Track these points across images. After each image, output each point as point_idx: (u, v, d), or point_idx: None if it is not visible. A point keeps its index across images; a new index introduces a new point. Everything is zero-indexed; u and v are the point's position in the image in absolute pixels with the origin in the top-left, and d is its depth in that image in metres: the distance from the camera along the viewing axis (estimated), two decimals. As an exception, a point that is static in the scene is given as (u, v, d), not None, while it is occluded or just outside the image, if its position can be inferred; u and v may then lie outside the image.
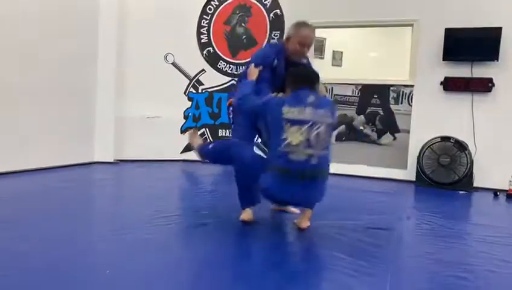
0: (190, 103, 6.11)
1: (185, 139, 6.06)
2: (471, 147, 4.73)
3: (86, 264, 1.93)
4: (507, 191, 4.44)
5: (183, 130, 6.10)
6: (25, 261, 1.90)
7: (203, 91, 6.06)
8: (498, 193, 4.46)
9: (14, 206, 2.96)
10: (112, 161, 5.50)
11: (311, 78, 2.59)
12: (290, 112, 2.40)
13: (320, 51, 6.78)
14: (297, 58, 2.88)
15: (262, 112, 2.56)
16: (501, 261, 2.24)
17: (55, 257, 1.98)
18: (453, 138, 4.73)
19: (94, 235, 2.38)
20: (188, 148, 2.78)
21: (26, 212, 2.82)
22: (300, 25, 2.83)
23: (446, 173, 4.72)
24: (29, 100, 4.48)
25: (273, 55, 2.86)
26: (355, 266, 2.12)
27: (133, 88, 5.73)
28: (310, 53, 5.55)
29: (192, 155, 6.01)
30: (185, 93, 6.11)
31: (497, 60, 4.69)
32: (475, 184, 4.71)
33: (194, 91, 6.09)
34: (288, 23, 5.64)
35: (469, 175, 4.65)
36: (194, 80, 6.08)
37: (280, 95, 2.66)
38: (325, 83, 3.09)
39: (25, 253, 2.01)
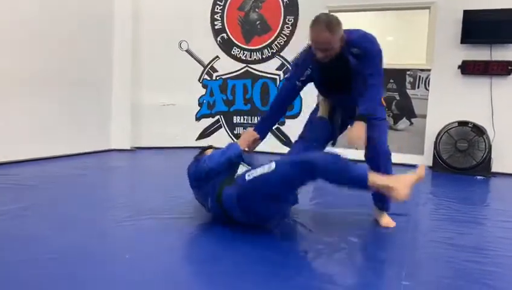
0: (204, 90, 6.12)
1: (200, 126, 6.10)
2: (489, 132, 4.65)
3: (105, 248, 1.97)
4: (526, 176, 4.38)
5: (197, 117, 6.13)
6: (45, 246, 1.95)
7: (217, 78, 6.06)
8: (517, 178, 4.40)
9: (34, 194, 3.03)
10: (128, 148, 5.57)
11: None
12: None
13: (335, 36, 6.69)
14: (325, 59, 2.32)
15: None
16: (520, 246, 2.21)
17: (75, 242, 2.02)
18: (471, 123, 4.65)
19: (112, 220, 2.43)
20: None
21: (45, 199, 2.88)
22: (311, 24, 2.33)
23: (463, 158, 4.66)
24: (46, 90, 4.55)
25: (306, 65, 2.47)
26: (371, 251, 2.13)
27: (148, 76, 5.76)
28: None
29: (207, 142, 6.06)
30: (199, 80, 6.12)
31: (517, 42, 4.58)
32: (493, 169, 4.65)
33: (208, 78, 6.10)
34: (302, 9, 5.59)
35: (487, 160, 4.59)
36: (208, 67, 6.08)
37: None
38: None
39: (45, 238, 2.07)
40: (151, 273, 1.72)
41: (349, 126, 2.59)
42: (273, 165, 2.08)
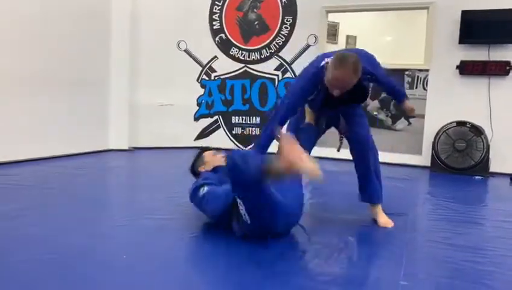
0: (203, 90, 6.12)
1: (198, 126, 6.10)
2: (487, 132, 4.66)
3: (103, 249, 1.97)
4: (524, 176, 4.39)
5: (196, 117, 6.13)
6: (44, 246, 1.95)
7: (216, 78, 6.06)
8: (515, 178, 4.41)
9: (32, 193, 3.03)
10: (126, 148, 5.57)
11: None
12: None
13: (333, 36, 6.70)
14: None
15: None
16: (517, 246, 2.22)
17: (73, 243, 2.02)
18: (469, 123, 4.66)
19: (111, 221, 2.43)
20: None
21: (44, 200, 2.88)
22: (336, 63, 2.22)
23: (462, 158, 4.67)
24: (45, 90, 4.54)
25: (312, 88, 2.41)
26: (369, 251, 2.13)
27: (146, 76, 5.76)
28: (322, 39, 5.53)
29: (206, 142, 6.06)
30: (197, 80, 6.11)
31: (515, 43, 4.60)
32: (491, 169, 4.65)
33: (207, 78, 6.10)
34: (300, 9, 5.59)
35: (485, 160, 4.59)
36: (207, 67, 6.08)
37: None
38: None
39: (44, 238, 2.06)
40: (149, 274, 1.72)
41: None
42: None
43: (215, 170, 2.51)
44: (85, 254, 1.89)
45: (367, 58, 2.49)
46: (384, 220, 2.54)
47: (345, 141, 2.73)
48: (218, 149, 2.69)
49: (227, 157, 1.97)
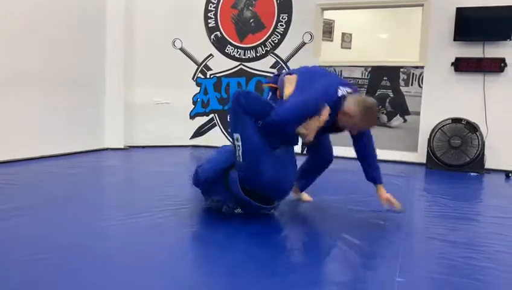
0: (198, 88, 6.11)
1: (194, 124, 6.09)
2: (482, 129, 4.68)
3: (99, 248, 1.97)
4: (519, 172, 4.41)
5: (192, 116, 6.12)
6: (40, 247, 1.94)
7: (211, 76, 6.05)
8: (510, 174, 4.43)
9: (28, 193, 3.01)
10: (122, 147, 5.55)
11: None
12: None
13: (329, 34, 6.71)
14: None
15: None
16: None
17: (69, 242, 2.01)
18: (464, 120, 4.68)
19: (107, 220, 2.42)
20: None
21: (39, 199, 2.86)
22: (365, 113, 2.41)
23: (457, 154, 4.69)
24: (39, 89, 4.51)
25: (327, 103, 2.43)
26: (365, 248, 2.13)
27: (141, 74, 5.74)
28: (318, 36, 5.53)
29: (202, 140, 6.05)
30: (193, 78, 6.10)
31: (510, 39, 4.61)
32: (486, 166, 4.68)
33: (202, 76, 6.08)
34: (296, 6, 5.58)
35: (480, 157, 4.61)
36: (202, 65, 6.07)
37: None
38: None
39: (40, 239, 2.05)
40: (145, 272, 1.71)
41: None
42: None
43: None
44: (81, 253, 1.88)
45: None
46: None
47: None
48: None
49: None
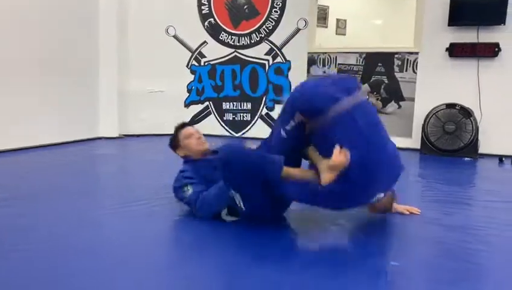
0: (193, 76, 6.07)
1: (189, 113, 6.07)
2: (476, 114, 4.69)
3: (93, 236, 1.97)
4: (512, 156, 4.44)
5: (186, 104, 6.09)
6: (34, 236, 1.94)
7: (206, 64, 6.01)
8: (503, 159, 4.45)
9: (22, 183, 3.00)
10: (116, 136, 5.53)
11: None
12: None
13: (323, 20, 6.66)
14: None
15: None
16: (505, 225, 2.25)
17: (64, 231, 2.01)
18: (459, 105, 4.69)
19: (102, 208, 2.42)
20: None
21: (34, 188, 2.85)
22: None
23: (451, 140, 4.70)
24: (32, 78, 4.47)
25: None
26: (359, 233, 2.15)
27: (135, 62, 5.69)
28: (312, 23, 5.49)
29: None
30: (187, 66, 6.06)
31: (504, 24, 4.60)
32: (480, 151, 4.70)
33: (197, 64, 6.04)
34: (290, -8, 5.53)
35: (474, 142, 4.63)
36: (196, 52, 6.02)
37: None
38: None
39: (34, 227, 2.05)
40: (138, 261, 1.72)
41: None
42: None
43: (196, 159, 2.43)
44: (74, 241, 1.88)
45: None
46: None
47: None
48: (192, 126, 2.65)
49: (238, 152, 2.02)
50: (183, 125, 2.64)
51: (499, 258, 1.83)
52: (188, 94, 6.08)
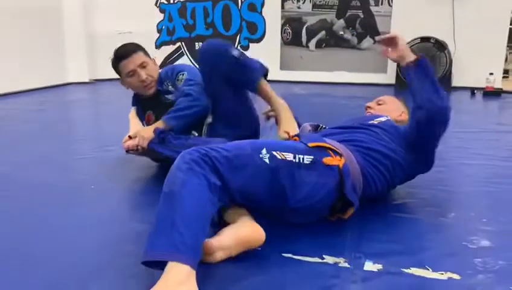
0: (162, 15, 5.81)
1: (161, 54, 5.89)
2: (450, 47, 4.69)
3: (69, 180, 1.94)
4: (484, 88, 4.51)
5: (157, 45, 5.89)
6: (7, 183, 1.90)
7: (176, 1, 5.74)
8: (475, 91, 4.53)
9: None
10: (87, 80, 5.35)
11: None
12: None
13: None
14: None
15: None
16: (475, 154, 2.33)
17: (38, 177, 1.98)
18: (433, 38, 4.67)
19: (75, 153, 2.38)
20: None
21: (3, 137, 2.77)
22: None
23: (425, 74, 4.72)
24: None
25: None
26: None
27: (100, 2, 5.39)
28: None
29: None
30: (156, 4, 5.78)
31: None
32: (453, 84, 4.76)
33: (166, 2, 5.77)
34: None
35: (448, 75, 4.68)
36: (165, -11, 5.73)
37: None
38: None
39: (6, 175, 2.01)
40: (116, 203, 1.72)
41: None
42: None
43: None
44: (48, 186, 1.86)
45: None
46: None
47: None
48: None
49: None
50: (122, 56, 2.02)
51: (469, 184, 1.91)
52: (158, 34, 5.86)
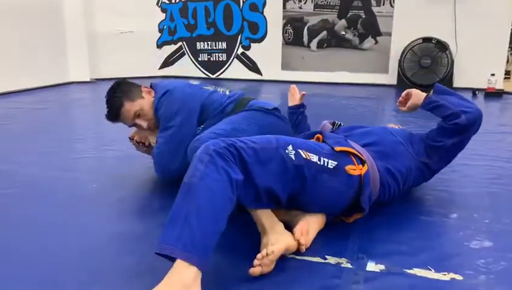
0: (164, 14, 5.81)
1: (162, 54, 5.89)
2: (452, 47, 4.68)
3: (70, 179, 1.94)
4: (485, 89, 4.50)
5: (159, 44, 5.88)
6: (7, 181, 1.90)
7: (177, 1, 5.74)
8: (477, 92, 4.52)
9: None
10: (88, 80, 5.35)
11: None
12: None
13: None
14: None
15: None
16: (477, 155, 2.32)
17: (38, 175, 1.97)
18: (435, 39, 4.66)
19: (77, 152, 2.38)
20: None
21: (3, 135, 2.77)
22: None
23: (427, 74, 4.72)
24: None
25: None
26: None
27: (101, 1, 5.39)
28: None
29: (171, 71, 5.87)
30: (157, 4, 5.78)
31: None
32: (455, 84, 4.75)
33: (167, 1, 5.76)
34: None
35: (449, 76, 4.67)
36: (166, -11, 5.73)
37: None
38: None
39: (6, 173, 2.01)
40: (116, 202, 1.71)
41: None
42: None
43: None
44: (48, 185, 1.86)
45: None
46: None
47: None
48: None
49: None
50: (113, 119, 1.95)
51: (470, 185, 1.90)
52: (159, 34, 5.86)
